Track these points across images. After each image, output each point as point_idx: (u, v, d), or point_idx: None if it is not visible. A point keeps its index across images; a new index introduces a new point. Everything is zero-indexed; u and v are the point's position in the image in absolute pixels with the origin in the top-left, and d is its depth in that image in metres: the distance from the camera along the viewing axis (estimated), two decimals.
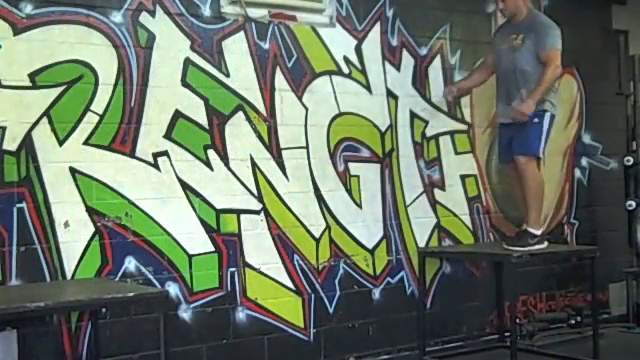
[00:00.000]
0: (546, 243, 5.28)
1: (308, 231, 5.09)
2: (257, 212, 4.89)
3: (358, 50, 5.37)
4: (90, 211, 4.33)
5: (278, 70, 5.01)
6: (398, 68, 5.55)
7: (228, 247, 4.77)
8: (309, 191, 5.11)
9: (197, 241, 4.67)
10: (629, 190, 6.53)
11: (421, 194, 5.61)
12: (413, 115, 5.60)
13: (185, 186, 4.65)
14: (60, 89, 4.27)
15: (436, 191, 5.69)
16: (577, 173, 6.54)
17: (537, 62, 5.12)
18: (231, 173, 4.82)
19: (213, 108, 4.76)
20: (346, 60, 5.30)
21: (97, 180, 4.36)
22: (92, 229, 4.33)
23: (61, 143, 4.26)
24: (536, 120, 5.11)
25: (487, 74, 5.54)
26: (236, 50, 4.86)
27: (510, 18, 5.33)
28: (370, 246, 5.35)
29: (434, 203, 5.68)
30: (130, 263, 4.44)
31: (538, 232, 5.18)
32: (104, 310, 4.28)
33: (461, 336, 5.75)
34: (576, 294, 6.40)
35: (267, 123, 4.96)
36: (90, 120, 4.35)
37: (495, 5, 5.73)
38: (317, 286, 5.09)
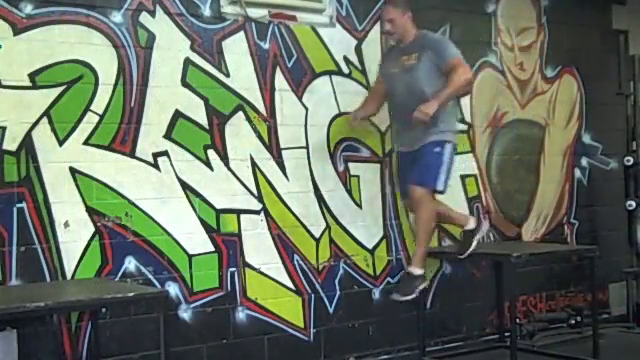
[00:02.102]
0: (427, 282, 5.08)
1: (308, 231, 5.09)
2: (257, 212, 4.89)
3: (358, 50, 5.37)
4: (90, 211, 4.33)
5: (278, 70, 5.01)
6: None
7: (228, 247, 4.77)
8: (309, 191, 5.11)
9: (197, 241, 4.67)
10: (629, 190, 6.53)
11: None
12: None
13: (185, 186, 4.65)
14: (60, 89, 4.27)
15: None
16: (577, 173, 6.54)
17: (438, 77, 4.81)
18: (231, 173, 4.82)
19: (213, 108, 4.76)
20: (346, 60, 5.30)
21: (97, 180, 4.36)
22: (92, 229, 4.33)
23: (61, 143, 4.26)
24: (437, 149, 4.83)
25: (379, 102, 5.19)
26: (236, 50, 4.86)
27: (398, 42, 5.02)
28: (370, 246, 5.35)
29: None
30: (130, 263, 4.44)
31: (421, 272, 4.92)
32: (104, 310, 4.28)
33: (461, 336, 5.75)
34: (576, 294, 6.40)
35: (267, 123, 4.96)
36: (90, 120, 4.35)
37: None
38: (317, 286, 5.09)
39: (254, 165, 4.89)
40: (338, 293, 5.18)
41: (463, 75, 4.80)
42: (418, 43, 4.91)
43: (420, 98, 4.74)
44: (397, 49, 5.05)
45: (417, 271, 4.91)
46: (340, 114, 5.25)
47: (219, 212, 4.75)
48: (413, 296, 4.90)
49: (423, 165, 4.84)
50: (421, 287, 4.95)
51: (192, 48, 4.71)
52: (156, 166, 4.56)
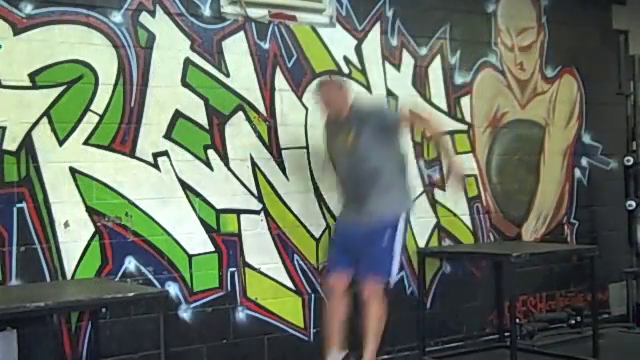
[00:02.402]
0: None
1: (308, 231, 5.08)
2: (257, 212, 4.89)
3: (358, 50, 5.37)
4: (90, 211, 4.33)
5: (278, 70, 5.01)
6: (398, 68, 5.55)
7: (228, 247, 4.77)
8: (309, 191, 5.11)
9: (197, 241, 4.67)
10: (629, 190, 6.52)
11: (421, 194, 5.61)
12: None
13: (185, 186, 4.65)
14: (60, 89, 4.27)
15: (436, 191, 5.69)
16: (577, 173, 6.54)
17: (382, 143, 4.52)
18: (231, 173, 4.82)
19: (213, 108, 4.76)
20: (346, 60, 5.30)
21: (97, 180, 4.36)
22: (92, 229, 4.33)
23: (61, 143, 4.26)
24: (389, 232, 4.49)
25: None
26: (236, 50, 4.86)
27: (334, 116, 4.73)
28: None
29: (434, 203, 5.68)
30: (130, 263, 4.44)
31: None
32: (104, 310, 4.28)
33: (461, 336, 5.75)
34: (576, 294, 6.40)
35: (267, 123, 4.96)
36: (90, 120, 4.35)
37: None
38: (317, 286, 5.09)
39: (254, 165, 4.89)
40: None
41: (425, 113, 4.68)
42: (355, 117, 4.60)
43: (374, 174, 4.52)
44: (334, 124, 4.73)
45: None
46: None
47: (219, 212, 4.74)
48: None
49: (376, 255, 4.49)
50: None
51: (192, 48, 4.71)
52: (156, 166, 4.56)
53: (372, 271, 4.51)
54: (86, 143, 4.34)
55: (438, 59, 5.74)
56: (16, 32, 4.15)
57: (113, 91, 4.43)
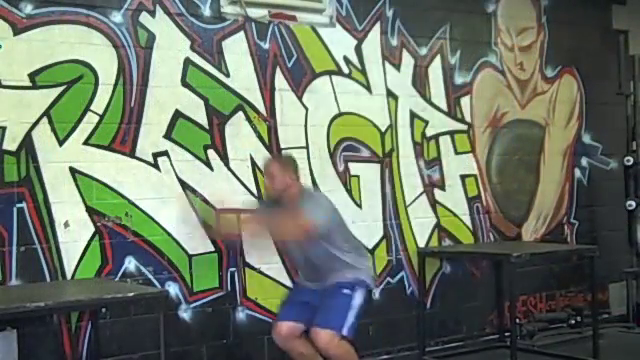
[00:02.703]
0: None
1: None
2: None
3: (358, 50, 5.37)
4: (90, 211, 4.34)
5: (278, 70, 5.01)
6: (398, 68, 5.55)
7: (228, 247, 4.77)
8: None
9: (197, 241, 4.67)
10: (629, 190, 6.52)
11: (421, 194, 5.61)
12: (413, 115, 5.60)
13: (185, 186, 4.65)
14: (60, 89, 4.27)
15: (436, 191, 5.69)
16: (577, 173, 6.54)
17: (327, 229, 4.23)
18: (231, 173, 4.82)
19: (213, 108, 4.76)
20: (346, 60, 5.30)
21: (97, 180, 4.36)
22: (92, 229, 4.33)
23: (61, 143, 4.27)
24: (346, 291, 4.25)
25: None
26: (236, 50, 4.86)
27: (277, 199, 4.38)
28: (370, 246, 5.34)
29: (434, 203, 5.68)
30: (130, 263, 4.44)
31: None
32: (104, 310, 4.28)
33: (461, 336, 5.75)
34: (576, 294, 6.40)
35: (267, 123, 4.96)
36: (90, 120, 4.35)
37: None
38: None
39: (254, 165, 4.89)
40: None
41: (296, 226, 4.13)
42: (299, 205, 4.24)
43: (329, 258, 4.28)
44: (278, 207, 4.34)
45: None
46: (340, 114, 5.25)
47: (219, 212, 4.74)
48: None
49: (330, 306, 4.21)
50: None
51: (192, 48, 4.71)
52: (156, 166, 4.56)
53: (325, 322, 4.16)
54: (86, 143, 4.34)
55: (438, 59, 5.74)
56: (16, 32, 4.15)
57: (113, 91, 4.43)
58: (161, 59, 4.59)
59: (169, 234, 4.57)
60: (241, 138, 4.86)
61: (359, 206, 5.32)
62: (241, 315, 4.81)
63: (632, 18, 6.82)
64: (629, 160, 6.51)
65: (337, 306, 4.22)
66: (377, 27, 5.45)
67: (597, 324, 5.47)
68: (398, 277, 5.44)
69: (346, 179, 5.27)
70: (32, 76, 4.19)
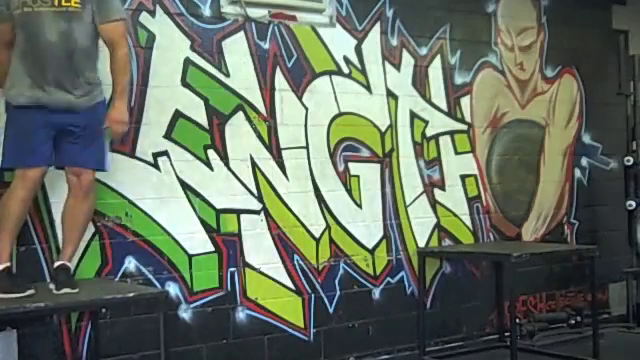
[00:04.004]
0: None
1: (308, 231, 5.08)
2: (257, 212, 4.89)
3: (358, 50, 5.37)
4: None
5: (278, 70, 5.01)
6: (398, 68, 5.55)
7: (228, 247, 4.77)
8: (309, 191, 5.11)
9: (197, 241, 4.67)
10: (629, 190, 6.53)
11: (421, 194, 5.61)
12: (413, 115, 5.60)
13: (185, 186, 4.65)
14: None
15: (436, 191, 5.69)
16: (577, 173, 6.54)
17: (95, 36, 3.89)
18: (231, 173, 4.82)
19: (213, 108, 4.76)
20: (346, 60, 5.30)
21: (97, 180, 4.35)
22: (92, 229, 4.33)
23: None
24: (105, 126, 3.97)
25: (7, 50, 3.89)
26: (236, 50, 4.86)
27: None
28: (370, 246, 5.35)
29: (434, 203, 5.68)
30: (130, 263, 4.44)
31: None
32: (104, 310, 4.28)
33: (461, 336, 5.75)
34: (576, 294, 6.40)
35: (267, 123, 4.96)
36: None
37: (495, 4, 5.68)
38: (317, 286, 5.09)
39: (254, 165, 4.89)
40: (338, 293, 5.18)
41: (127, 56, 3.98)
42: None
43: (83, 54, 3.83)
44: None
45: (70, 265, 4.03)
46: (340, 114, 5.25)
47: (219, 212, 4.74)
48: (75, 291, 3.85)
49: (97, 144, 3.97)
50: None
51: (192, 48, 4.70)
52: (156, 166, 4.56)
53: (96, 161, 3.99)
54: None
55: (438, 59, 5.75)
56: None
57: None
58: (161, 59, 4.58)
59: (169, 234, 4.57)
60: (241, 138, 4.86)
61: (359, 206, 5.32)
62: (241, 315, 4.81)
63: (632, 18, 6.82)
64: (629, 160, 6.51)
65: (101, 142, 4.02)
66: (377, 27, 5.45)
67: (597, 324, 5.47)
68: (398, 277, 5.44)
69: (346, 179, 5.27)
70: None
